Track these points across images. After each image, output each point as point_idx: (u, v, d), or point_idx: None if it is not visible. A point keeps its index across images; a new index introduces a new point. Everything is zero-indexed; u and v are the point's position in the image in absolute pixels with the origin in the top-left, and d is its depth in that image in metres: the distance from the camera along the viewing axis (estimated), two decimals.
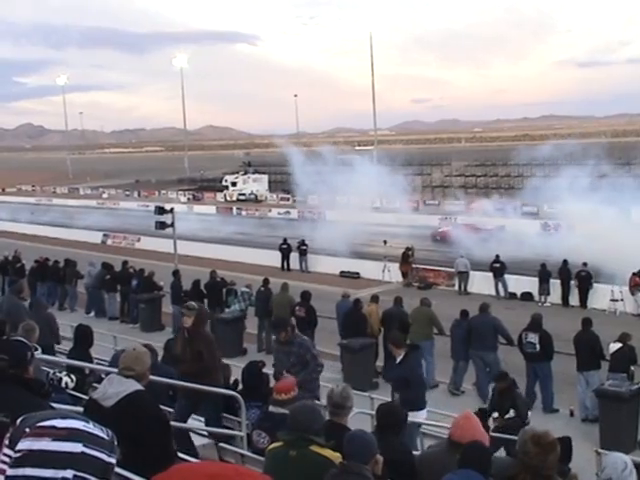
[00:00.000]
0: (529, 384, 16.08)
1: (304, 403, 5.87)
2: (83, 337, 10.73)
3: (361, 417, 9.63)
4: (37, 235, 51.94)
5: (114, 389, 5.04)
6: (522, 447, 4.87)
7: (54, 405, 4.74)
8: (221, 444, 7.56)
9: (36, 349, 4.92)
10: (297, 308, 19.92)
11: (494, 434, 11.37)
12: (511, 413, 11.37)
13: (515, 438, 10.13)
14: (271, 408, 6.59)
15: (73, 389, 8.45)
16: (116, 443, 1.79)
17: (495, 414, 11.48)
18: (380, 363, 18.54)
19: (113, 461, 1.77)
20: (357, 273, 34.13)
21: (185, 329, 9.02)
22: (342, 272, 34.44)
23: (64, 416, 1.76)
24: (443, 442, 6.22)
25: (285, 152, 59.61)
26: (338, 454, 4.89)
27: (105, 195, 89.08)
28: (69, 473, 1.67)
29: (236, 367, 11.47)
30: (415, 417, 10.10)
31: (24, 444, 1.69)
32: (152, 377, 6.02)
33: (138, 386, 5.12)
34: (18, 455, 1.69)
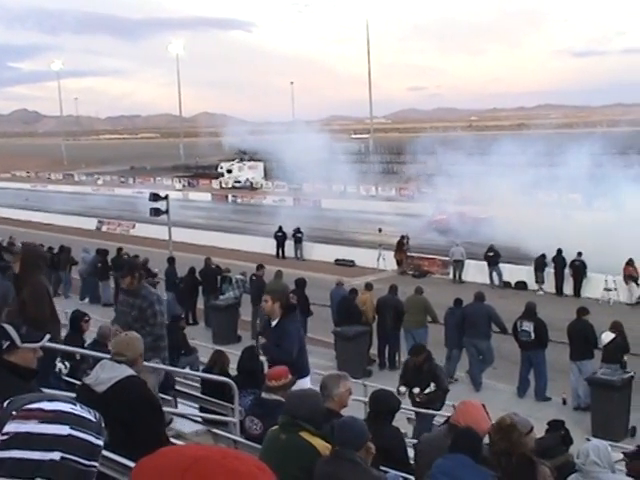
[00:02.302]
0: (523, 372, 16.16)
1: (299, 390, 5.91)
2: (75, 322, 10.78)
3: (354, 404, 9.67)
4: (32, 221, 51.85)
5: (106, 375, 5.06)
6: (489, 439, 5.07)
7: (47, 391, 4.75)
8: (214, 430, 7.59)
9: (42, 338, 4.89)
10: (290, 295, 19.94)
11: (418, 410, 11.20)
12: (432, 387, 11.01)
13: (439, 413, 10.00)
14: (264, 395, 6.61)
15: (67, 375, 8.47)
16: (104, 425, 1.80)
17: (416, 389, 11.09)
18: (374, 351, 18.60)
19: (101, 443, 1.77)
20: (352, 261, 34.14)
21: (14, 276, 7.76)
22: (337, 260, 34.45)
23: (51, 399, 1.76)
24: (443, 426, 6.28)
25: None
26: (327, 444, 4.92)
27: (100, 181, 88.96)
28: (56, 455, 1.67)
29: (230, 354, 11.51)
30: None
31: (11, 426, 1.69)
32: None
33: (130, 372, 5.14)
34: (5, 438, 1.68)
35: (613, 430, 13.08)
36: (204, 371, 10.86)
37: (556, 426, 8.11)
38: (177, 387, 10.16)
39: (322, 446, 4.93)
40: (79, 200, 64.18)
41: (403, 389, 11.27)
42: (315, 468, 4.82)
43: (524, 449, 4.98)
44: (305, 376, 8.94)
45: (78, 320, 10.78)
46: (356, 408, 9.89)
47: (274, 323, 8.83)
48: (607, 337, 14.59)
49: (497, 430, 5.03)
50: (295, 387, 8.67)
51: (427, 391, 10.99)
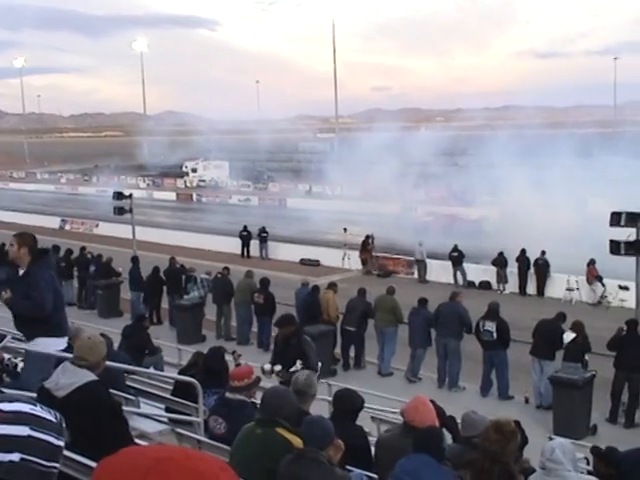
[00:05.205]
0: (485, 371, 16.26)
1: (275, 388, 5.94)
2: None
3: (319, 403, 9.67)
4: None
5: (67, 379, 4.98)
6: (483, 433, 5.01)
7: (6, 391, 4.70)
8: (178, 430, 7.54)
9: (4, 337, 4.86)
10: (256, 295, 19.95)
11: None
12: (298, 365, 9.69)
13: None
14: (228, 394, 6.59)
15: None
16: (64, 426, 1.78)
17: (277, 367, 9.79)
18: (338, 350, 18.59)
19: (61, 444, 1.75)
20: (317, 261, 34.15)
21: None
22: (302, 259, 34.44)
23: (11, 399, 1.74)
24: (398, 426, 6.27)
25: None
26: (300, 440, 4.94)
27: (63, 180, 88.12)
28: (16, 456, 1.65)
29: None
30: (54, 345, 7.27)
31: None
32: (108, 363, 5.98)
33: (91, 377, 5.06)
34: None
35: (575, 429, 13.21)
36: (182, 371, 10.76)
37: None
38: (141, 387, 10.08)
39: (296, 441, 4.96)
40: (41, 198, 63.53)
41: (267, 367, 10.03)
42: (278, 467, 4.81)
43: (509, 459, 4.93)
44: (61, 336, 7.44)
45: None
46: (320, 407, 9.91)
47: (22, 272, 7.63)
48: (568, 337, 14.74)
49: (496, 430, 4.96)
50: (46, 347, 7.09)
51: (292, 369, 9.59)
